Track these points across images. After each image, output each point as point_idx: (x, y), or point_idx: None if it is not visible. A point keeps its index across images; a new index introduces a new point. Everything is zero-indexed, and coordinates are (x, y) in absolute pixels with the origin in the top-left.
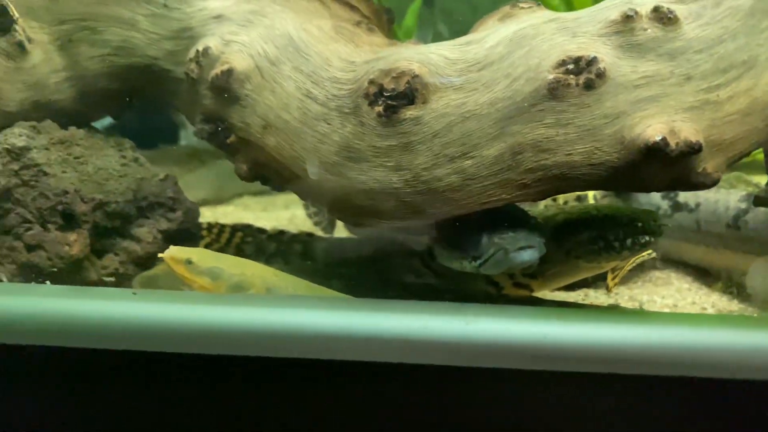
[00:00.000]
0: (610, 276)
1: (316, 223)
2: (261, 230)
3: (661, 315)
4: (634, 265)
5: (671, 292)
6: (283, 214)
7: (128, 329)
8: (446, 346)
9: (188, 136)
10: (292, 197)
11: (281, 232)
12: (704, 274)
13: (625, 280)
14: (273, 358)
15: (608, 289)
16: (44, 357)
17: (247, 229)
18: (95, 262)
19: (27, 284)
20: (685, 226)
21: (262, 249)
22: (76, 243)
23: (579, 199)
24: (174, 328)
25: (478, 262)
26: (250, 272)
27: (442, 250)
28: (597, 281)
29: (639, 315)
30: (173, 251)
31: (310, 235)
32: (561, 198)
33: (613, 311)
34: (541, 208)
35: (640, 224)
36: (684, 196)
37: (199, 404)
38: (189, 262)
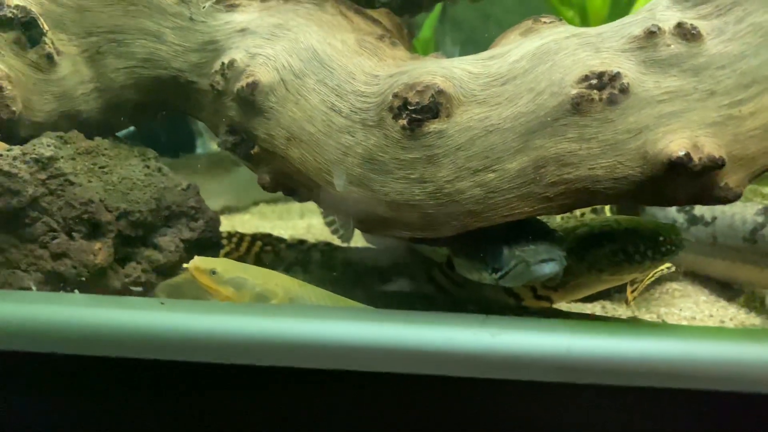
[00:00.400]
0: (629, 289)
1: (333, 232)
2: (280, 239)
3: (685, 328)
4: (654, 278)
5: (689, 305)
6: (300, 222)
7: (158, 339)
8: (472, 359)
9: (204, 144)
10: (308, 206)
11: (300, 242)
12: (722, 288)
13: (642, 293)
14: (296, 368)
15: (628, 302)
16: (74, 366)
17: (266, 238)
18: (118, 270)
19: (56, 293)
20: (702, 239)
21: (282, 258)
22: (100, 252)
23: (595, 211)
24: (202, 337)
25: (499, 274)
26: (273, 282)
27: (461, 261)
28: (614, 293)
29: (662, 328)
30: (198, 261)
31: (328, 244)
32: (578, 210)
33: (637, 324)
34: (558, 220)
35: (661, 237)
36: (700, 210)
37: (227, 413)
38: (213, 272)
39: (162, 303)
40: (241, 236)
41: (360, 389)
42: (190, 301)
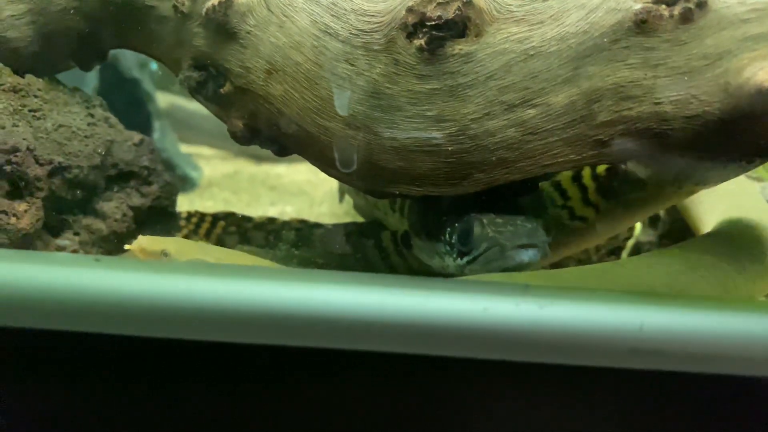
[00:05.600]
0: None
1: None
2: (246, 218)
3: None
4: None
5: None
6: (271, 210)
7: (91, 305)
8: (516, 336)
9: (162, 128)
10: (280, 194)
11: (270, 220)
12: None
13: None
14: (282, 347)
15: None
16: None
17: (230, 218)
18: (48, 240)
19: None
20: None
21: (249, 240)
22: (25, 214)
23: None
24: (151, 304)
25: (465, 259)
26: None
27: (420, 240)
28: None
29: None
30: (144, 242)
31: (303, 221)
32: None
33: (730, 298)
34: None
35: None
36: None
37: (181, 403)
38: (165, 254)
39: (97, 260)
40: (201, 216)
41: (370, 372)
42: (136, 260)
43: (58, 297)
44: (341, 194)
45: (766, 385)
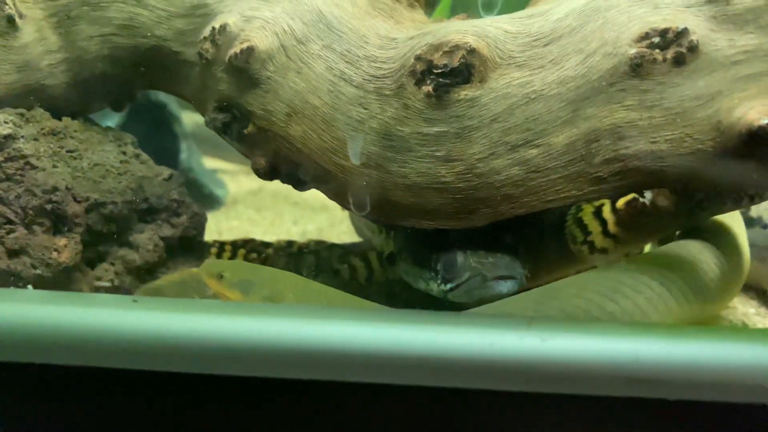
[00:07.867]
0: None
1: None
2: (265, 244)
3: None
4: None
5: (737, 317)
6: (293, 229)
7: (128, 343)
8: (520, 368)
9: (189, 148)
10: (302, 212)
11: (288, 243)
12: None
13: None
14: (304, 381)
15: None
16: (26, 376)
17: (249, 244)
18: (86, 272)
19: (4, 289)
20: (759, 244)
21: (270, 265)
22: (65, 249)
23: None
24: (183, 342)
25: (448, 285)
26: (282, 285)
27: (407, 266)
28: None
29: (750, 333)
30: (208, 265)
31: (320, 242)
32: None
33: (718, 327)
34: None
35: None
36: (757, 211)
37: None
38: (221, 276)
39: (135, 301)
40: (221, 244)
41: (381, 403)
42: (169, 299)
43: (99, 337)
44: None
45: (758, 411)
